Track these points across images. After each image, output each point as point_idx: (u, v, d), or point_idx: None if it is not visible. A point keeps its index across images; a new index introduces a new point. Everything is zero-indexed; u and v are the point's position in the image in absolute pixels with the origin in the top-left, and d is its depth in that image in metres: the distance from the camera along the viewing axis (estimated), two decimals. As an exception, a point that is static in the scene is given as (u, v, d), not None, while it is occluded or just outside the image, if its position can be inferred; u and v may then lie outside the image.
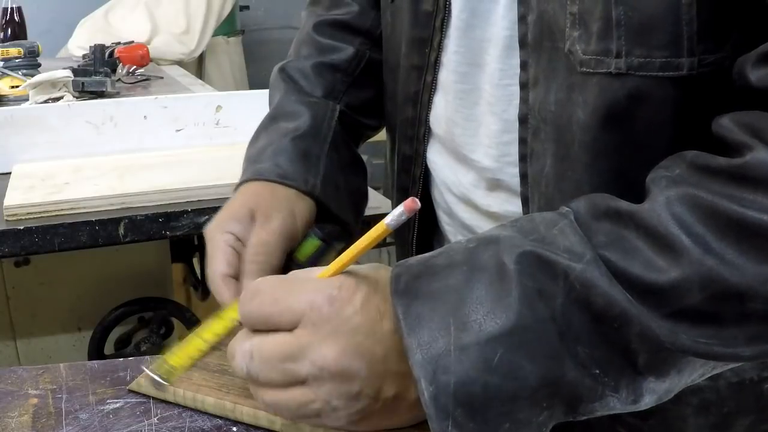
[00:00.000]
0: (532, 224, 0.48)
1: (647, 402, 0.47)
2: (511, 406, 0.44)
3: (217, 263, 0.63)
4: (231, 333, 0.56)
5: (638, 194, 0.47)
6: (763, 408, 0.61)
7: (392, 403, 0.49)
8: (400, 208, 0.47)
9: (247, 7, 3.44)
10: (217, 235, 0.64)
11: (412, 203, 0.47)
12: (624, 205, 0.46)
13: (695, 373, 0.48)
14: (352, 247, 0.50)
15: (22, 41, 2.02)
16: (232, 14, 2.98)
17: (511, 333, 0.44)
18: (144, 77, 2.01)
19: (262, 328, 0.50)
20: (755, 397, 0.61)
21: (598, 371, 0.45)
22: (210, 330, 0.57)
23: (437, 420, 0.44)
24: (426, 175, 0.73)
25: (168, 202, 1.00)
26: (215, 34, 2.87)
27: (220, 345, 0.58)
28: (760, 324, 0.43)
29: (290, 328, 0.48)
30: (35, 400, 0.55)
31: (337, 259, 0.50)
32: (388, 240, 0.98)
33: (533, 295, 0.44)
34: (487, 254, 0.46)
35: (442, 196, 0.72)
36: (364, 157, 0.82)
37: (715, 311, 0.43)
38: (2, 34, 2.31)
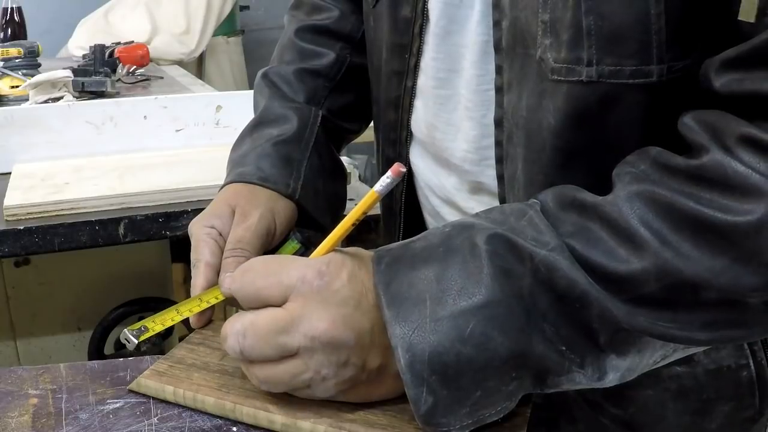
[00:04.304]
0: (503, 215, 0.50)
1: (611, 379, 0.50)
2: (482, 375, 0.47)
3: (202, 252, 0.65)
4: (203, 314, 0.63)
5: (608, 193, 0.49)
6: (742, 395, 0.63)
7: (377, 373, 0.51)
8: (387, 174, 0.50)
9: (247, 7, 3.44)
10: (200, 229, 0.67)
11: (398, 167, 0.50)
12: (589, 197, 0.49)
13: (656, 354, 0.50)
14: (347, 217, 0.53)
15: (22, 41, 2.02)
16: (232, 14, 2.98)
17: (482, 307, 0.47)
18: (144, 77, 2.01)
19: (254, 302, 0.52)
20: (734, 384, 0.63)
21: (564, 348, 0.47)
22: (186, 306, 0.62)
23: (413, 386, 0.47)
24: (410, 177, 0.75)
25: (168, 202, 1.00)
26: (215, 34, 2.87)
27: (210, 339, 0.61)
28: (714, 312, 0.46)
29: (280, 302, 0.50)
30: (35, 400, 0.55)
31: (332, 233, 0.53)
32: (377, 241, 0.98)
33: (502, 274, 0.47)
34: (461, 237, 0.49)
35: (427, 198, 0.73)
36: (364, 157, 0.83)
37: (670, 299, 0.46)
38: (2, 34, 2.31)
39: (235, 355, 0.52)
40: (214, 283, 0.64)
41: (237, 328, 0.51)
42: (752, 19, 0.44)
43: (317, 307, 0.49)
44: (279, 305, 0.50)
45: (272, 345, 0.50)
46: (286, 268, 0.51)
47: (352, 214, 0.52)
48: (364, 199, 0.51)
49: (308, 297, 0.50)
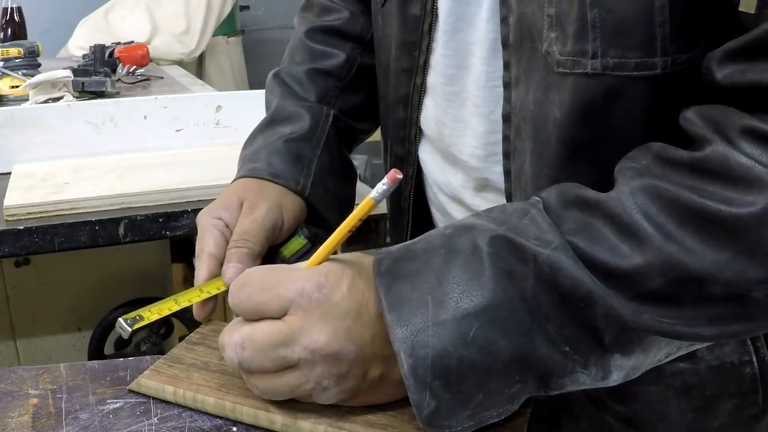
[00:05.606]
0: (504, 214, 0.50)
1: (615, 378, 0.49)
2: (485, 378, 0.47)
3: (206, 242, 0.65)
4: (203, 304, 0.62)
5: (612, 188, 0.49)
6: (746, 392, 0.63)
7: (378, 382, 0.51)
8: (383, 181, 0.49)
9: (247, 7, 3.44)
10: (207, 220, 0.67)
11: (394, 173, 0.49)
12: (592, 194, 0.49)
13: (661, 352, 0.50)
14: (342, 225, 0.52)
15: (22, 41, 2.01)
16: (232, 14, 2.98)
17: (485, 310, 0.46)
18: (144, 77, 2.01)
19: (252, 316, 0.51)
20: (737, 380, 0.63)
21: (568, 348, 0.47)
22: (185, 297, 0.62)
23: (416, 391, 0.47)
24: (419, 174, 0.75)
25: (168, 202, 1.01)
26: (215, 34, 2.87)
27: (209, 339, 0.61)
28: (719, 306, 0.46)
29: (280, 316, 0.50)
30: (35, 400, 0.55)
31: (329, 240, 0.52)
32: (379, 240, 0.98)
33: (505, 276, 0.47)
34: (463, 239, 0.49)
35: (435, 195, 0.74)
36: (364, 158, 0.84)
37: (675, 294, 0.45)
38: (2, 34, 2.31)
39: (234, 367, 0.52)
40: (216, 274, 0.64)
41: (235, 340, 0.51)
42: (752, 10, 0.44)
43: (317, 320, 0.49)
44: (278, 318, 0.50)
45: (271, 358, 0.49)
46: (284, 282, 0.51)
47: (348, 221, 0.52)
48: (359, 206, 0.51)
49: (308, 311, 0.49)
